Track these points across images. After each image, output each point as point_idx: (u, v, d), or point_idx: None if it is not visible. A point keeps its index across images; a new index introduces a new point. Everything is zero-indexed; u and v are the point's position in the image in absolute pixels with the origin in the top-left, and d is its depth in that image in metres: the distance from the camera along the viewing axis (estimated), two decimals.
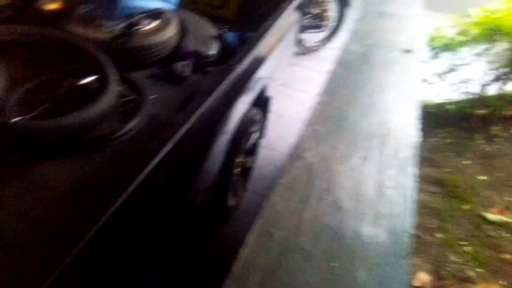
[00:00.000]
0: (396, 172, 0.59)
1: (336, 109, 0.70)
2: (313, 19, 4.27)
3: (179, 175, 1.42)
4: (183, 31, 2.19)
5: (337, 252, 0.48)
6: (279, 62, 2.51)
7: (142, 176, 1.05)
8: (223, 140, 1.88)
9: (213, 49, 2.21)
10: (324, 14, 4.22)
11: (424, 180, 2.97)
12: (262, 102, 2.37)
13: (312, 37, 4.13)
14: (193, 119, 1.31)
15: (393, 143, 0.65)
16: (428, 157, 3.20)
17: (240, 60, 1.70)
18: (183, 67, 2.01)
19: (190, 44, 2.16)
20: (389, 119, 0.71)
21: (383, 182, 0.57)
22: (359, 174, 0.57)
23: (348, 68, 0.86)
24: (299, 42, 4.16)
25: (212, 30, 2.36)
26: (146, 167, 1.07)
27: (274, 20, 2.11)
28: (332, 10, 4.13)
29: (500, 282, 2.31)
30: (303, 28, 4.18)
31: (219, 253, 0.86)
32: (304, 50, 4.12)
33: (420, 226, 2.58)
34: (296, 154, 0.59)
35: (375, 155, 0.61)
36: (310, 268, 0.45)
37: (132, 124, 1.60)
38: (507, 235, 2.60)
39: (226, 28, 2.37)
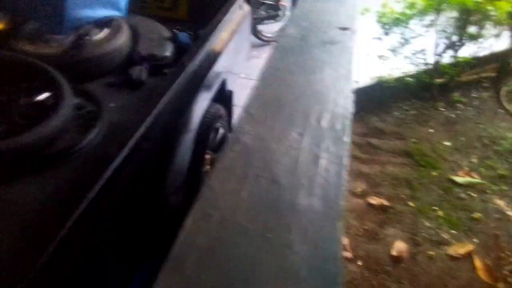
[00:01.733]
0: (332, 143, 0.62)
1: (273, 92, 0.73)
2: (268, 9, 4.31)
3: (145, 177, 1.43)
4: (135, 36, 2.18)
5: (273, 224, 0.51)
6: (236, 56, 2.53)
7: (100, 183, 1.06)
8: (188, 139, 1.90)
9: (167, 51, 2.21)
10: (279, 3, 4.27)
11: (392, 153, 3.07)
12: (224, 97, 2.40)
13: (270, 28, 4.18)
14: (148, 121, 1.32)
15: (329, 117, 0.68)
16: (394, 130, 3.29)
17: (191, 57, 1.71)
18: (139, 72, 2.00)
19: (144, 48, 2.15)
20: (326, 95, 0.74)
21: (319, 154, 0.60)
22: (296, 150, 0.60)
23: (285, 51, 0.89)
24: (257, 33, 4.20)
25: (165, 32, 2.36)
26: (103, 174, 1.08)
27: (224, 15, 2.13)
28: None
29: (473, 240, 2.40)
30: (260, 20, 4.23)
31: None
32: (263, 41, 4.16)
33: (392, 197, 2.67)
34: (234, 138, 0.61)
35: (311, 130, 0.65)
36: (247, 242, 0.48)
37: (92, 135, 1.59)
38: (475, 195, 2.70)
39: (178, 28, 2.38)
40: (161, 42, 2.28)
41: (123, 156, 1.17)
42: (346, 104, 0.79)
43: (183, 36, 2.39)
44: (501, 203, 2.64)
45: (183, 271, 0.48)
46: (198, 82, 1.87)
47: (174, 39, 2.31)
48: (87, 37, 1.95)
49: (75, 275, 1.01)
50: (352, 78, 0.90)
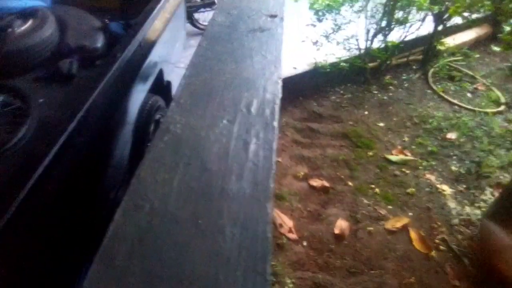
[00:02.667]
0: (261, 128, 0.64)
1: (202, 81, 0.73)
2: None
3: (80, 174, 1.38)
4: (63, 27, 2.08)
5: (204, 211, 0.51)
6: (172, 45, 2.49)
7: (31, 183, 1.01)
8: (125, 132, 1.85)
9: (98, 42, 2.13)
10: None
11: (331, 136, 3.18)
12: (162, 88, 2.35)
13: (207, 16, 4.14)
14: (80, 116, 1.27)
15: (258, 103, 0.70)
16: (332, 114, 3.40)
17: (123, 48, 1.66)
18: (69, 64, 1.91)
19: (73, 40, 2.05)
20: (255, 82, 0.75)
21: (249, 140, 0.62)
22: (226, 136, 0.61)
23: (214, 39, 0.89)
24: (194, 22, 4.15)
25: (95, 22, 2.26)
26: (34, 173, 1.03)
27: (157, 3, 2.08)
28: None
29: (408, 213, 2.56)
30: (195, 8, 4.17)
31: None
32: (200, 30, 4.11)
33: (333, 178, 2.77)
34: (163, 128, 0.61)
35: (241, 117, 0.66)
36: (178, 229, 0.48)
37: (21, 133, 1.51)
38: (408, 171, 2.87)
39: (109, 18, 2.29)
40: (91, 33, 2.18)
41: (54, 153, 1.12)
42: (274, 90, 0.81)
43: (115, 26, 2.30)
44: (431, 177, 2.84)
45: (113, 263, 0.47)
46: (132, 73, 1.82)
47: (105, 30, 2.22)
48: (9, 29, 1.83)
49: (11, 277, 0.96)
50: (281, 64, 0.92)
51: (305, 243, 2.33)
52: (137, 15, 2.02)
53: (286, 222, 2.41)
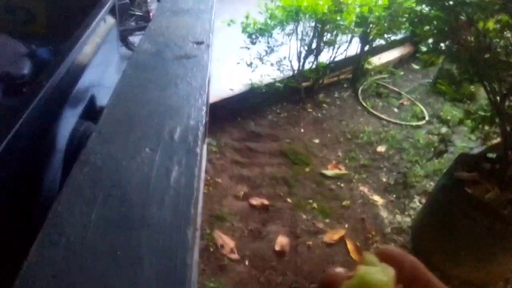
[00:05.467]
0: (184, 155, 0.65)
1: (125, 110, 0.73)
2: (138, 20, 4.25)
3: (7, 207, 1.31)
4: None
5: (123, 241, 0.52)
6: (104, 69, 2.45)
7: None
8: (55, 160, 1.79)
9: (25, 68, 2.06)
10: (149, 14, 4.23)
11: (269, 154, 3.26)
12: (94, 113, 2.30)
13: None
14: (2, 146, 1.21)
15: (182, 130, 0.71)
16: (269, 133, 3.49)
17: (51, 74, 1.62)
18: None
19: None
20: (179, 109, 0.77)
21: (171, 167, 0.63)
22: (148, 165, 0.61)
23: (139, 67, 0.89)
24: (129, 45, 4.11)
25: (21, 48, 2.18)
26: None
27: (86, 28, 2.05)
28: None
29: (345, 225, 2.67)
30: (130, 31, 4.14)
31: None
32: None
33: (272, 196, 2.83)
34: (82, 160, 0.60)
35: (164, 145, 0.67)
36: (94, 263, 0.48)
37: None
38: (343, 185, 3.00)
39: (36, 43, 2.22)
40: (16, 59, 2.11)
41: None
42: (198, 117, 0.84)
43: (42, 52, 2.24)
44: (364, 189, 2.99)
45: None
46: (61, 100, 1.77)
47: (32, 56, 2.15)
48: None
49: None
50: (206, 90, 0.95)
51: (247, 262, 2.34)
52: (65, 40, 1.98)
53: (228, 242, 2.42)
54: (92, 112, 2.22)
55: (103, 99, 2.36)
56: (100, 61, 2.25)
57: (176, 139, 0.78)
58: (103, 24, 2.34)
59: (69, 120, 1.88)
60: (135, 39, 4.15)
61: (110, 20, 2.49)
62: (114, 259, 0.53)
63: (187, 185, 0.67)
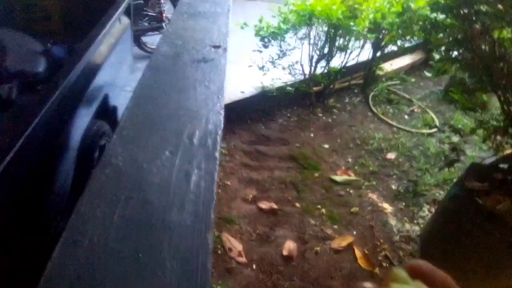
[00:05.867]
0: (203, 159, 0.66)
1: (145, 112, 0.74)
2: (151, 21, 4.28)
3: (21, 203, 1.32)
4: (1, 50, 2.01)
5: (145, 244, 0.52)
6: (118, 69, 2.47)
7: None
8: (69, 158, 1.80)
9: (40, 66, 2.08)
10: (162, 15, 4.26)
11: (279, 158, 3.25)
12: (107, 113, 2.32)
13: (155, 39, 4.14)
14: (20, 143, 1.23)
15: (201, 134, 0.72)
16: (279, 137, 3.49)
17: (66, 73, 1.63)
18: (8, 90, 1.84)
19: (13, 64, 1.99)
20: (198, 113, 0.77)
21: (190, 171, 0.63)
22: (168, 168, 0.62)
23: (158, 70, 0.90)
24: (141, 45, 4.13)
25: (37, 46, 2.21)
26: None
27: (101, 28, 2.07)
28: (169, 10, 4.20)
29: (353, 232, 2.66)
30: (143, 31, 4.17)
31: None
32: (148, 53, 4.10)
33: (281, 200, 2.82)
34: (104, 161, 0.61)
35: (184, 148, 0.67)
36: (118, 264, 0.49)
37: None
38: (352, 191, 2.99)
39: (51, 41, 2.24)
40: (32, 57, 2.13)
41: None
42: (217, 121, 0.84)
43: (58, 50, 2.26)
44: (373, 196, 2.97)
45: None
46: (76, 98, 1.79)
47: (47, 54, 2.17)
48: None
49: None
50: (223, 94, 0.96)
51: (254, 266, 2.34)
52: (81, 39, 2.00)
53: (236, 246, 2.42)
54: (105, 112, 2.24)
55: (116, 99, 2.38)
56: (114, 61, 2.27)
57: (195, 142, 0.78)
58: (118, 24, 2.36)
59: (82, 119, 1.90)
60: (147, 39, 4.18)
61: (125, 20, 2.51)
62: (136, 262, 0.54)
63: (207, 189, 0.68)
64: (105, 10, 2.30)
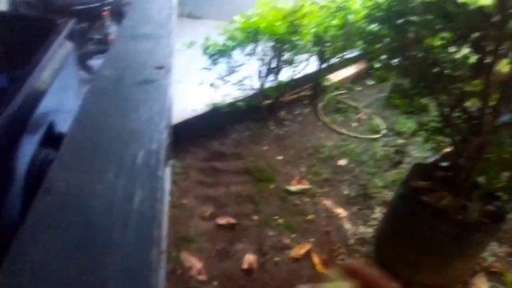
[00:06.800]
0: (147, 179, 0.67)
1: (86, 136, 0.74)
2: (97, 44, 4.22)
3: None
4: None
5: (88, 265, 0.53)
6: (64, 94, 2.42)
7: None
8: (14, 190, 1.75)
9: None
10: (108, 37, 4.21)
11: (234, 173, 3.28)
12: (54, 140, 2.26)
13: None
14: None
15: (144, 154, 0.73)
16: (233, 152, 3.52)
17: (7, 102, 1.59)
18: None
19: None
20: (141, 133, 0.79)
21: (134, 191, 0.65)
22: (111, 190, 0.63)
23: (100, 93, 0.91)
24: (88, 69, 4.06)
25: None
26: None
27: (43, 54, 2.04)
28: (114, 33, 4.15)
29: (310, 239, 2.72)
30: (89, 55, 4.10)
31: None
32: None
33: (238, 214, 2.84)
34: (45, 188, 0.61)
35: (127, 169, 0.69)
36: None
37: None
38: (307, 199, 3.06)
39: None
40: None
41: None
42: (160, 140, 0.86)
43: None
44: (328, 203, 3.06)
45: None
46: (18, 128, 1.74)
47: None
48: None
49: None
50: (168, 113, 0.98)
51: (215, 283, 2.34)
52: (22, 66, 1.95)
53: (195, 263, 2.41)
54: (51, 139, 2.18)
55: (62, 125, 2.33)
56: (58, 87, 2.23)
57: (138, 163, 0.80)
58: (61, 49, 2.32)
59: (27, 148, 1.84)
60: (94, 63, 4.12)
61: (68, 44, 2.47)
62: (80, 283, 0.55)
63: (150, 208, 0.69)
64: (47, 35, 2.26)
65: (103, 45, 4.20)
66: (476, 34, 2.07)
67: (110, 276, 0.56)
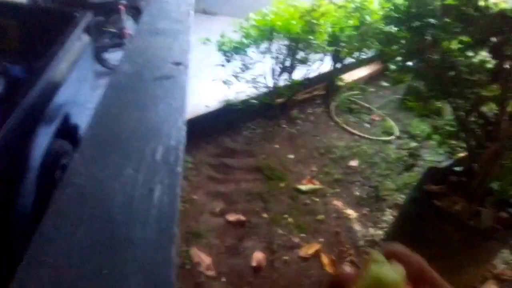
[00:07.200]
0: (166, 175, 0.67)
1: (107, 130, 0.75)
2: (112, 37, 4.25)
3: None
4: None
5: (108, 261, 0.54)
6: (79, 87, 2.44)
7: None
8: (29, 179, 1.77)
9: None
10: (123, 31, 4.24)
11: (245, 170, 3.29)
12: (68, 132, 2.28)
13: (117, 56, 4.11)
14: None
15: (163, 150, 0.74)
16: (245, 149, 3.53)
17: (25, 93, 1.61)
18: None
19: None
20: (160, 129, 0.79)
21: (153, 187, 0.65)
22: (131, 185, 0.64)
23: (119, 88, 0.91)
24: (103, 62, 4.09)
25: None
26: None
27: (61, 46, 2.05)
28: (130, 27, 4.18)
29: (319, 239, 2.71)
30: (104, 48, 4.13)
31: None
32: (110, 70, 4.06)
33: (248, 212, 2.85)
34: (66, 181, 0.61)
35: (146, 165, 0.69)
36: (82, 282, 0.50)
37: None
38: (317, 199, 3.06)
39: (9, 60, 2.20)
40: None
41: None
42: (179, 136, 0.86)
43: (16, 70, 2.21)
44: (338, 203, 3.05)
45: None
46: (35, 118, 1.76)
47: (4, 73, 2.12)
48: None
49: None
50: (185, 110, 0.98)
51: (224, 279, 2.35)
52: (40, 57, 1.97)
53: (204, 259, 2.42)
54: (66, 131, 2.21)
55: (77, 117, 2.35)
56: (74, 79, 2.25)
57: (157, 159, 0.80)
58: (78, 42, 2.34)
59: (42, 139, 1.87)
60: (109, 56, 4.14)
61: (85, 37, 2.49)
62: (101, 278, 0.55)
63: (170, 204, 0.70)
64: (64, 27, 2.28)
65: (119, 39, 4.23)
66: (495, 39, 2.04)
67: (131, 272, 0.56)
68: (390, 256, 0.36)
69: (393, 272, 0.34)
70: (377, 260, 0.35)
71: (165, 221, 0.66)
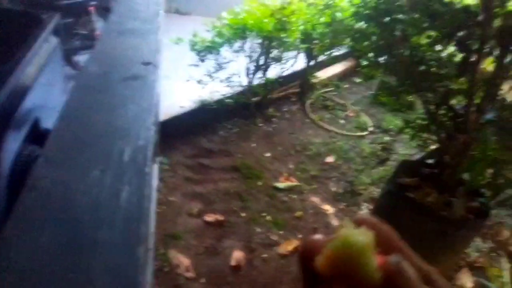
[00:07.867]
0: (133, 175, 0.67)
1: (72, 133, 0.73)
2: (83, 40, 4.17)
3: None
4: None
5: (74, 263, 0.52)
6: (49, 90, 2.39)
7: None
8: None
9: None
10: (94, 33, 4.16)
11: (222, 170, 3.28)
12: (39, 136, 2.23)
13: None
14: None
15: (131, 151, 0.73)
16: (221, 148, 3.52)
17: None
18: None
19: None
20: (128, 129, 0.78)
21: (121, 187, 0.64)
22: (97, 187, 0.63)
23: (86, 89, 0.90)
24: (73, 65, 4.01)
25: None
26: None
27: (28, 49, 2.00)
28: (101, 28, 4.11)
29: (298, 236, 2.73)
30: (74, 51, 4.05)
31: None
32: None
33: (226, 211, 2.84)
34: (29, 184, 0.60)
35: (113, 166, 0.68)
36: (46, 287, 0.49)
37: None
38: (295, 196, 3.08)
39: None
40: None
41: None
42: (147, 136, 0.86)
43: None
44: (315, 199, 3.08)
45: None
46: (3, 123, 1.71)
47: None
48: None
49: None
50: (155, 110, 0.97)
51: (203, 280, 2.34)
52: (5, 61, 1.92)
53: (183, 261, 2.40)
54: (36, 135, 2.15)
55: (48, 121, 2.30)
56: (44, 83, 2.19)
57: (125, 159, 0.79)
58: (46, 45, 2.29)
59: (11, 145, 1.82)
60: (81, 58, 4.06)
61: (53, 40, 2.44)
62: (66, 282, 0.54)
63: (137, 205, 0.69)
64: (31, 30, 2.22)
65: (89, 41, 4.15)
66: (461, 33, 2.09)
67: (96, 274, 0.56)
68: (361, 224, 0.37)
69: (363, 235, 0.35)
70: (348, 227, 0.36)
71: (132, 222, 0.65)
